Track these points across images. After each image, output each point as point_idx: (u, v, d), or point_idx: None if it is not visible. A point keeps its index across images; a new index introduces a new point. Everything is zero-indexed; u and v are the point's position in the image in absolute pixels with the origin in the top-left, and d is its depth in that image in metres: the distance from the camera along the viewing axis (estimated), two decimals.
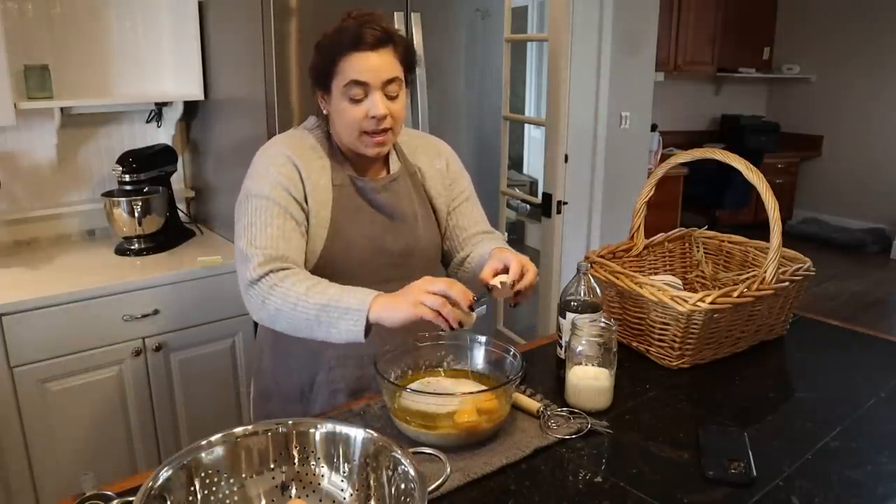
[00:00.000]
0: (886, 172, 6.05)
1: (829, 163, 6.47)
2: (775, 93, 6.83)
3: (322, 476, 0.94)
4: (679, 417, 1.22)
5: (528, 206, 5.58)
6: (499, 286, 1.21)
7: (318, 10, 1.93)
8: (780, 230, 1.34)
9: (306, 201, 1.29)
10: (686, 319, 1.32)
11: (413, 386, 1.19)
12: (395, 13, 2.11)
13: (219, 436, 0.92)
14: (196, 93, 2.32)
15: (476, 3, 2.34)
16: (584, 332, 1.23)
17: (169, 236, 2.28)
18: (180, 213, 2.42)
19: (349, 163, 1.36)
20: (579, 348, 1.23)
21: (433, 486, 0.87)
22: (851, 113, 6.23)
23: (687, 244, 1.75)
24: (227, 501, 0.89)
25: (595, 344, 1.22)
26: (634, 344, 1.47)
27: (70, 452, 1.92)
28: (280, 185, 1.27)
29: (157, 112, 2.45)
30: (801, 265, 1.47)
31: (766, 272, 1.37)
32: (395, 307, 1.10)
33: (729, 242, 1.69)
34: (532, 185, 5.96)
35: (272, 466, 0.93)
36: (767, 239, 1.42)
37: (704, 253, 1.72)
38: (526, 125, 6.24)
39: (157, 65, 2.42)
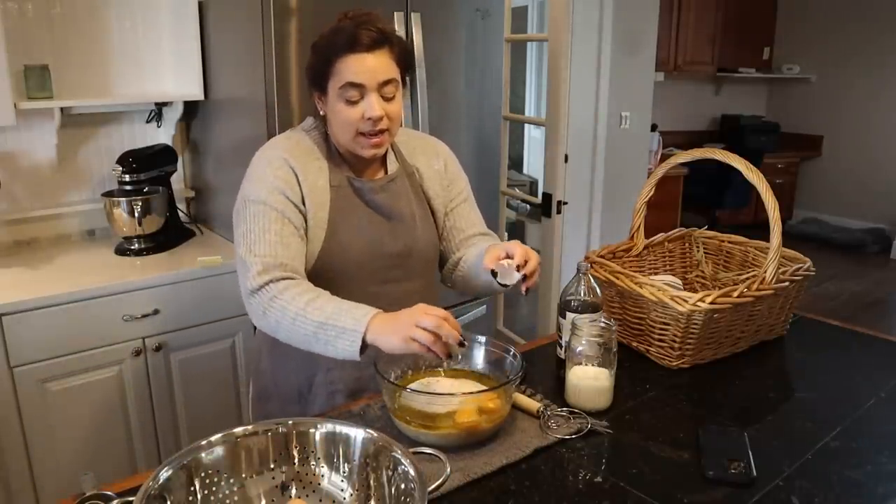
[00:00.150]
0: (886, 172, 6.05)
1: (829, 163, 6.47)
2: (775, 93, 6.83)
3: (322, 476, 0.94)
4: (679, 417, 1.22)
5: (528, 206, 5.58)
6: (506, 266, 1.20)
7: (318, 10, 1.93)
8: (780, 230, 1.34)
9: (304, 203, 1.29)
10: (686, 319, 1.32)
11: (413, 386, 1.19)
12: (394, 13, 2.11)
13: (219, 436, 0.92)
14: (196, 93, 2.32)
15: (476, 3, 2.34)
16: (584, 332, 1.23)
17: (169, 236, 2.28)
18: (180, 213, 2.42)
19: (347, 164, 1.35)
20: (579, 348, 1.23)
21: (433, 486, 0.87)
22: (851, 113, 6.23)
23: (687, 244, 1.75)
24: (227, 501, 0.89)
25: (595, 344, 1.22)
26: (634, 344, 1.47)
27: (70, 452, 1.92)
28: (277, 189, 1.26)
29: (157, 112, 2.45)
30: (801, 265, 1.47)
31: (766, 272, 1.37)
32: (389, 337, 1.10)
33: (729, 242, 1.69)
34: (532, 185, 5.96)
35: (272, 466, 0.93)
36: (767, 239, 1.42)
37: (704, 253, 1.72)
38: (526, 125, 6.24)
39: (157, 65, 2.42)
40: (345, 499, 0.92)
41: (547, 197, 2.61)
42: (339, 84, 1.24)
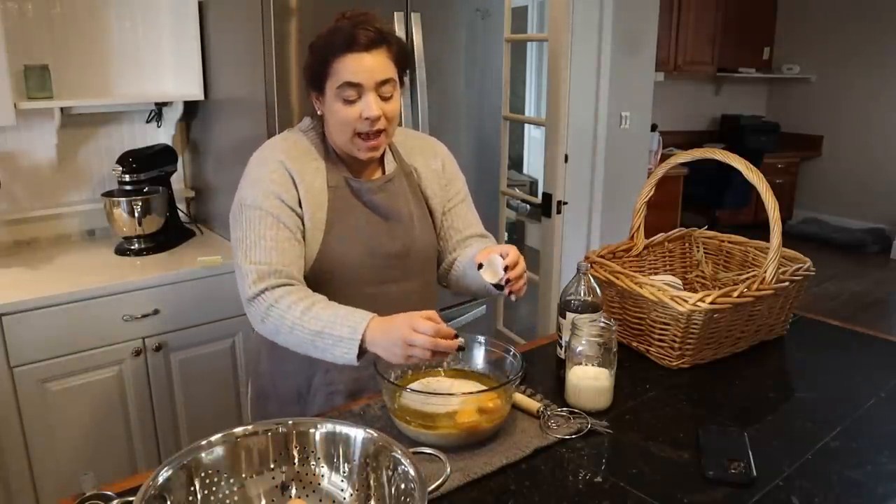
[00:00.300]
0: (886, 172, 6.05)
1: (829, 163, 6.47)
2: (775, 93, 6.83)
3: (322, 476, 0.94)
4: (679, 417, 1.22)
5: (528, 206, 5.58)
6: (493, 261, 1.19)
7: (318, 10, 1.93)
8: (780, 230, 1.34)
9: (300, 205, 1.29)
10: (686, 319, 1.32)
11: (413, 386, 1.19)
12: (394, 13, 2.11)
13: (219, 436, 0.92)
14: (196, 93, 2.32)
15: (476, 3, 2.34)
16: (584, 332, 1.23)
17: (169, 236, 2.28)
18: (180, 213, 2.42)
19: (344, 164, 1.35)
20: (579, 348, 1.23)
21: (433, 486, 0.87)
22: (851, 113, 6.23)
23: (687, 244, 1.75)
24: (227, 501, 0.89)
25: (595, 344, 1.22)
26: (634, 344, 1.47)
27: (70, 452, 1.92)
28: (272, 193, 1.26)
29: (157, 112, 2.45)
30: (801, 265, 1.47)
31: (766, 272, 1.37)
32: (388, 355, 1.12)
33: (729, 242, 1.69)
34: (532, 185, 5.96)
35: (272, 466, 0.93)
36: (767, 239, 1.42)
37: (704, 253, 1.72)
38: (526, 125, 6.24)
39: (157, 65, 2.42)
40: (345, 499, 0.92)
41: (547, 197, 2.61)
42: (337, 84, 1.24)
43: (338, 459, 0.94)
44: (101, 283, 1.91)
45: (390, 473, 0.89)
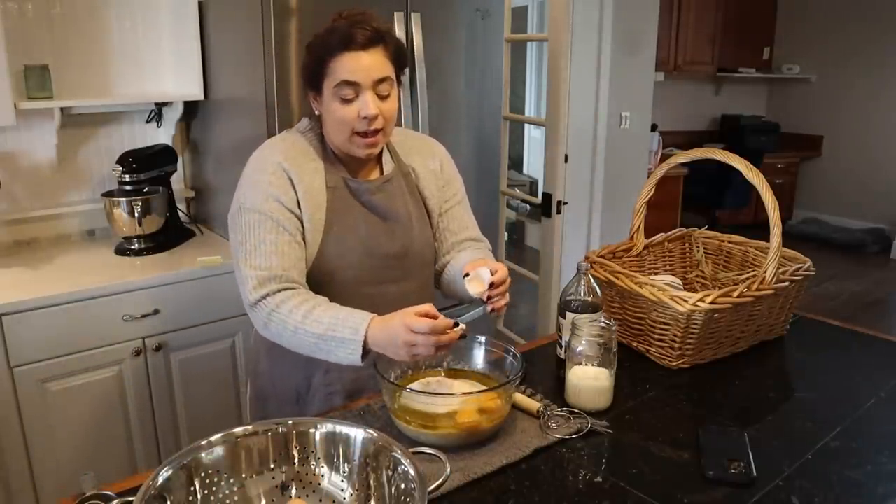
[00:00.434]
0: (886, 172, 6.05)
1: (829, 163, 6.46)
2: (775, 93, 6.83)
3: (322, 476, 0.94)
4: (679, 417, 1.22)
5: (528, 206, 5.58)
6: (480, 274, 1.19)
7: (318, 10, 1.93)
8: (780, 230, 1.34)
9: (299, 207, 1.29)
10: (686, 319, 1.32)
11: (413, 386, 1.19)
12: (394, 13, 2.11)
13: (219, 436, 0.92)
14: (196, 93, 2.32)
15: (476, 3, 2.34)
16: (584, 332, 1.23)
17: (169, 236, 2.28)
18: (180, 213, 2.42)
19: (342, 164, 1.35)
20: (579, 348, 1.23)
21: (433, 486, 0.87)
22: (851, 113, 6.23)
23: (687, 244, 1.75)
24: (227, 501, 0.89)
25: (595, 344, 1.22)
26: (634, 344, 1.47)
27: (70, 452, 1.92)
28: (271, 196, 1.26)
29: (157, 112, 2.45)
30: (801, 265, 1.47)
31: (766, 272, 1.37)
32: (392, 352, 1.13)
33: (729, 242, 1.69)
34: (532, 185, 5.96)
35: (272, 466, 0.93)
36: (767, 239, 1.42)
37: (704, 253, 1.72)
38: (526, 125, 6.24)
39: (157, 65, 2.42)
40: (345, 499, 0.92)
41: (547, 197, 2.61)
42: (334, 83, 1.24)
43: (338, 459, 0.94)
44: (101, 283, 1.91)
45: (390, 473, 0.89)
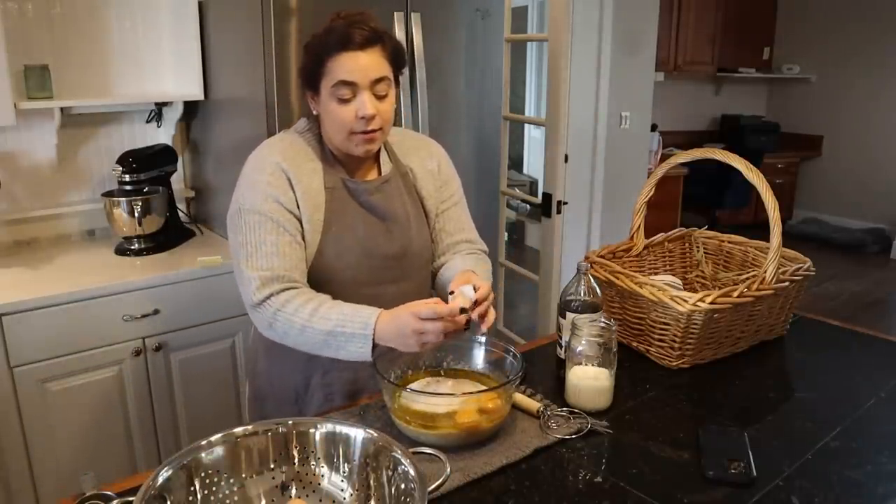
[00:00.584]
0: (886, 172, 6.05)
1: (829, 163, 6.46)
2: (775, 93, 6.83)
3: (322, 476, 0.94)
4: (679, 417, 1.22)
5: (528, 206, 5.58)
6: (465, 292, 1.17)
7: (318, 10, 1.93)
8: (780, 230, 1.34)
9: (298, 207, 1.29)
10: (686, 319, 1.32)
11: (413, 386, 1.19)
12: (394, 13, 2.11)
13: (219, 436, 0.92)
14: (196, 93, 2.32)
15: (476, 3, 2.34)
16: (584, 332, 1.23)
17: (169, 236, 2.28)
18: (180, 213, 2.42)
19: (341, 165, 1.35)
20: (579, 348, 1.23)
21: (433, 486, 0.87)
22: (851, 113, 6.23)
23: (687, 244, 1.75)
24: (227, 501, 0.89)
25: (595, 344, 1.22)
26: (634, 344, 1.47)
27: (70, 452, 1.92)
28: (270, 196, 1.26)
29: (157, 112, 2.45)
30: (801, 265, 1.47)
31: (766, 272, 1.37)
32: (402, 344, 1.15)
33: (729, 242, 1.69)
34: (532, 185, 5.96)
35: (272, 466, 0.93)
36: (767, 239, 1.42)
37: (704, 253, 1.72)
38: (526, 125, 6.24)
39: (157, 65, 2.42)
40: (345, 499, 0.92)
41: (547, 197, 2.61)
42: (332, 83, 1.24)
43: (338, 459, 0.94)
44: (101, 283, 1.91)
45: (390, 473, 0.89)
